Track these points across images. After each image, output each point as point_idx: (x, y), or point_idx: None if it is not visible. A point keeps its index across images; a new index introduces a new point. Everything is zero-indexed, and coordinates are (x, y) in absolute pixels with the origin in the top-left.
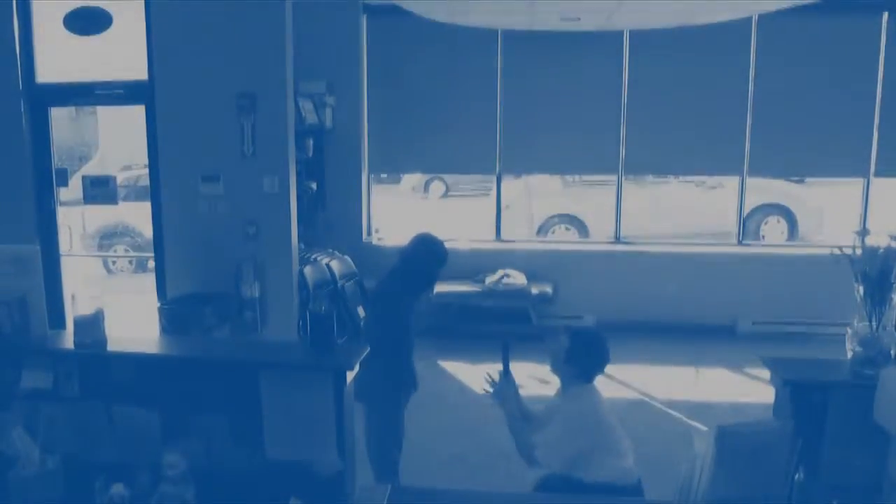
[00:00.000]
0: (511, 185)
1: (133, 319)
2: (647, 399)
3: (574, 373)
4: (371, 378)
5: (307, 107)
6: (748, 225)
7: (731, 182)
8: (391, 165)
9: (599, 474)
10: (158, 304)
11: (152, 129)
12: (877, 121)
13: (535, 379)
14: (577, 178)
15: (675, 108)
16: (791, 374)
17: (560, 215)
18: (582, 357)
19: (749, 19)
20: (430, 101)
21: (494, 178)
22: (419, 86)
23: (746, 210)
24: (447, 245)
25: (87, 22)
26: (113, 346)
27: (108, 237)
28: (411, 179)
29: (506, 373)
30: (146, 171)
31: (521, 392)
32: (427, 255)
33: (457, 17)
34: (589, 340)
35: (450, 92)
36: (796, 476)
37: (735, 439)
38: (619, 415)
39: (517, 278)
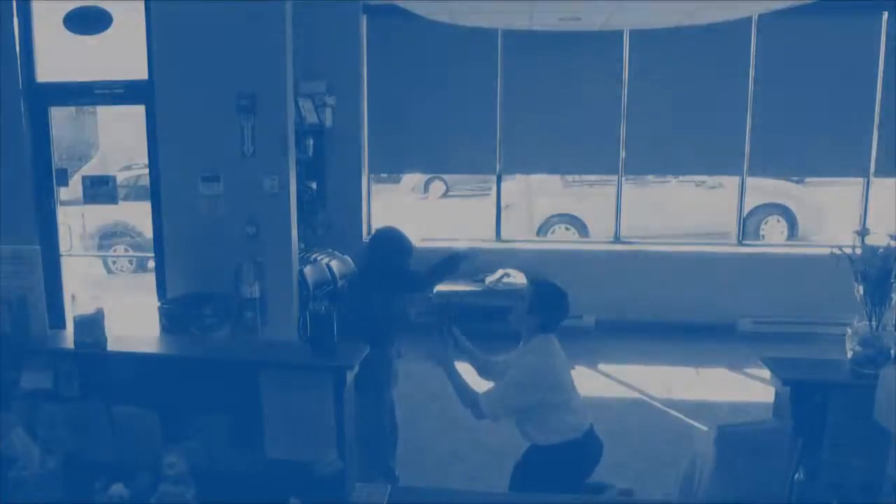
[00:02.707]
0: (511, 185)
1: (133, 319)
2: (647, 399)
3: (536, 322)
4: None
5: (307, 107)
6: (748, 225)
7: (731, 182)
8: (391, 165)
9: (545, 431)
10: (158, 304)
11: (152, 129)
12: (877, 121)
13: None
14: (577, 178)
15: (675, 108)
16: (791, 374)
17: (560, 215)
18: (544, 306)
19: (749, 19)
20: (430, 101)
21: (494, 178)
22: (419, 86)
23: (746, 210)
24: (445, 243)
25: (87, 21)
26: (113, 345)
27: (108, 237)
28: (411, 179)
29: (444, 335)
30: (146, 171)
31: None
32: (388, 248)
33: (457, 17)
34: (550, 290)
35: (450, 92)
36: (796, 476)
37: (735, 439)
38: (620, 415)
39: (517, 278)
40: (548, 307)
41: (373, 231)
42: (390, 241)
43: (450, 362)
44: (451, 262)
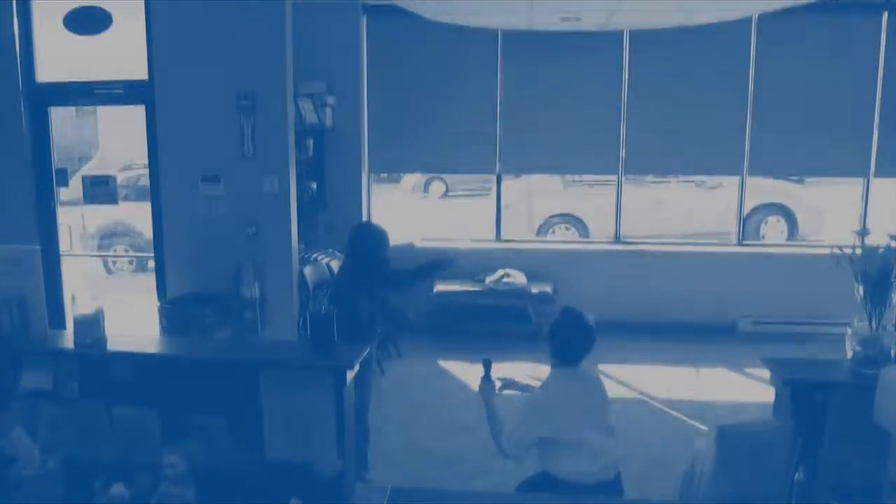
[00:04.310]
0: (511, 185)
1: (133, 319)
2: (647, 399)
3: (555, 351)
4: None
5: (307, 107)
6: (748, 225)
7: (731, 182)
8: (391, 165)
9: (558, 468)
10: (158, 304)
11: (152, 129)
12: (877, 121)
13: (530, 378)
14: (577, 177)
15: (675, 108)
16: (791, 374)
17: (560, 215)
18: (562, 334)
19: (749, 19)
20: (430, 101)
21: (494, 178)
22: (419, 86)
23: (746, 210)
24: (445, 244)
25: (87, 22)
26: (113, 346)
27: (108, 237)
28: (411, 179)
29: (486, 376)
30: (146, 171)
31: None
32: (365, 242)
33: (457, 17)
34: (570, 318)
35: (450, 92)
36: (796, 476)
37: (735, 439)
38: (619, 415)
39: (517, 278)
40: (565, 335)
41: (352, 228)
42: (367, 234)
43: (491, 400)
44: (436, 265)
